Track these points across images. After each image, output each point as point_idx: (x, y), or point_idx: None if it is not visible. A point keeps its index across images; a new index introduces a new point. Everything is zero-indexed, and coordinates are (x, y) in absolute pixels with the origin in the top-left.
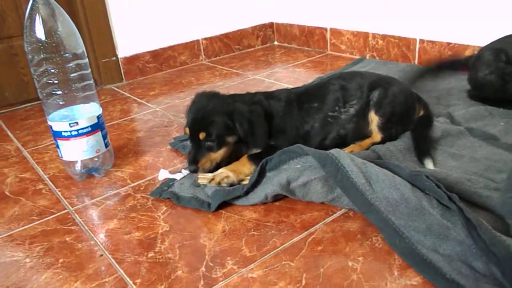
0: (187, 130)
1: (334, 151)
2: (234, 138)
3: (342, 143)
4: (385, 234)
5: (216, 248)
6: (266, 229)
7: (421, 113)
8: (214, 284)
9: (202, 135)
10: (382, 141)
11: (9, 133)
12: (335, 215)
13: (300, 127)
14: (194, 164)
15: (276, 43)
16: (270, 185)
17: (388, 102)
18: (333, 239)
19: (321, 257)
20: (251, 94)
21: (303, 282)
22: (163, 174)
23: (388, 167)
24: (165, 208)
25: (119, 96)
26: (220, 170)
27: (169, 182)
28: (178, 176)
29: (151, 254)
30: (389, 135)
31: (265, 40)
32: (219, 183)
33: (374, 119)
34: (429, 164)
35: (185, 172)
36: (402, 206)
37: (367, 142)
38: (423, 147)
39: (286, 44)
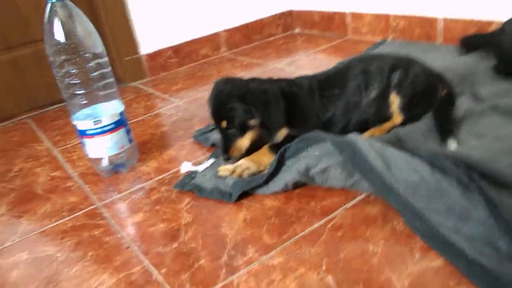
0: (212, 120)
1: (351, 136)
2: (256, 120)
3: (363, 128)
4: (406, 217)
5: (238, 237)
6: (286, 216)
7: (444, 92)
8: (236, 271)
9: (224, 123)
10: (403, 123)
11: (40, 134)
12: (355, 200)
13: (322, 115)
14: (225, 154)
15: (297, 30)
16: (289, 173)
17: (409, 82)
18: (353, 224)
19: (341, 243)
20: (273, 80)
21: (324, 267)
22: (186, 167)
23: (406, 149)
24: (188, 200)
25: (143, 92)
26: (240, 162)
27: (191, 175)
28: (200, 168)
29: (175, 245)
30: (410, 117)
31: (286, 28)
32: (240, 175)
33: (395, 100)
34: (452, 145)
35: (207, 163)
36: (422, 188)
37: (388, 125)
38: (446, 127)
39: (307, 31)
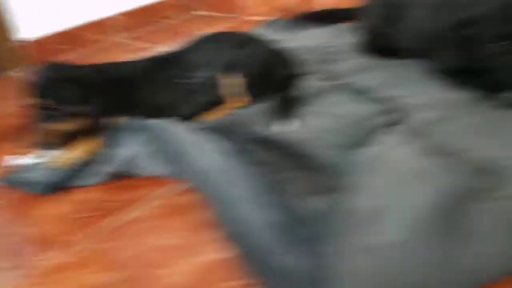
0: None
1: (159, 122)
2: (81, 107)
3: (204, 111)
4: (211, 205)
5: (39, 234)
6: (100, 209)
7: (288, 72)
8: (21, 272)
9: (45, 106)
10: (244, 105)
11: None
12: (171, 190)
13: (159, 99)
14: (41, 139)
15: (196, 12)
16: (110, 163)
17: (249, 62)
18: (162, 214)
19: (144, 235)
20: (106, 64)
21: (111, 264)
22: (13, 160)
23: (216, 134)
24: (8, 195)
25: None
26: (66, 151)
27: (18, 168)
28: (27, 160)
29: None
30: (251, 98)
31: (184, 10)
32: (66, 164)
33: (235, 81)
34: (289, 125)
35: (35, 156)
36: (224, 174)
37: (227, 107)
38: (286, 108)
39: (205, 13)
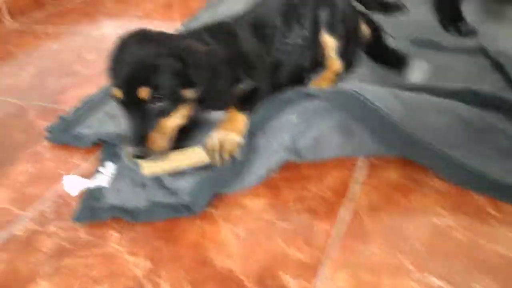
0: (118, 91)
1: (354, 86)
2: (193, 92)
3: (300, 75)
4: (443, 170)
5: (244, 266)
6: (293, 214)
7: (372, 28)
8: None
9: (145, 92)
10: (344, 69)
11: None
12: (362, 169)
13: (267, 59)
14: (142, 144)
15: None
16: (272, 154)
17: (340, 21)
18: (383, 196)
19: (384, 220)
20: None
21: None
22: (74, 184)
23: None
24: (116, 235)
25: None
26: (219, 135)
27: (94, 194)
28: (99, 180)
29: None
30: (349, 61)
31: None
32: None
33: (329, 42)
34: (415, 71)
35: (106, 172)
36: (454, 132)
37: (329, 74)
38: (394, 57)
39: None
